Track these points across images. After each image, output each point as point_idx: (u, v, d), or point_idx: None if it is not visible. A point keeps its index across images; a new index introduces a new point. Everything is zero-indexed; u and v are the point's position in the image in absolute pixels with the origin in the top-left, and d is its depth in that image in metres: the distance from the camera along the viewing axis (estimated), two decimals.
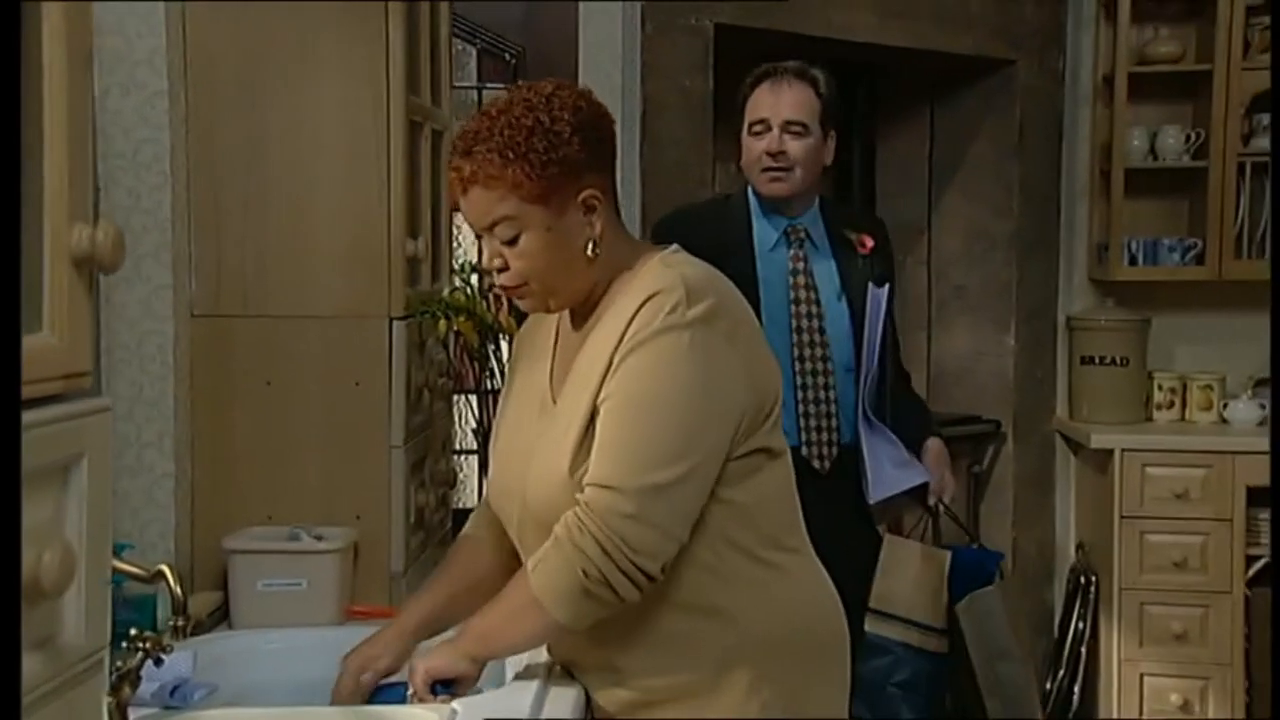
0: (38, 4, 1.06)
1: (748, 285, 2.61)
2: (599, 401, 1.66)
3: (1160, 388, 4.39)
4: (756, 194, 2.73)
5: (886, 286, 2.72)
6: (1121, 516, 4.10)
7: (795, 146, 2.66)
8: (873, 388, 2.69)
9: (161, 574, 1.67)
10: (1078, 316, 4.47)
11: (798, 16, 3.83)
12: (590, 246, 1.72)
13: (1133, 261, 4.32)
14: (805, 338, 2.66)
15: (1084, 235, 4.53)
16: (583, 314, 1.79)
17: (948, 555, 2.71)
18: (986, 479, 4.47)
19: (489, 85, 3.30)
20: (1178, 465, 4.09)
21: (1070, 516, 4.56)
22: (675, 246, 1.79)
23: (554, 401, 1.78)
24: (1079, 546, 4.48)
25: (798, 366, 2.65)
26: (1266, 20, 4.21)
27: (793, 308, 2.66)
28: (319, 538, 2.25)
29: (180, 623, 1.70)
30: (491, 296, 2.49)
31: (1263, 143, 4.25)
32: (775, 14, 3.78)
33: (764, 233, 2.72)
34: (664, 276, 1.68)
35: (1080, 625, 4.29)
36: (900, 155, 4.69)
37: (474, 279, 2.50)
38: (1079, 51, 4.48)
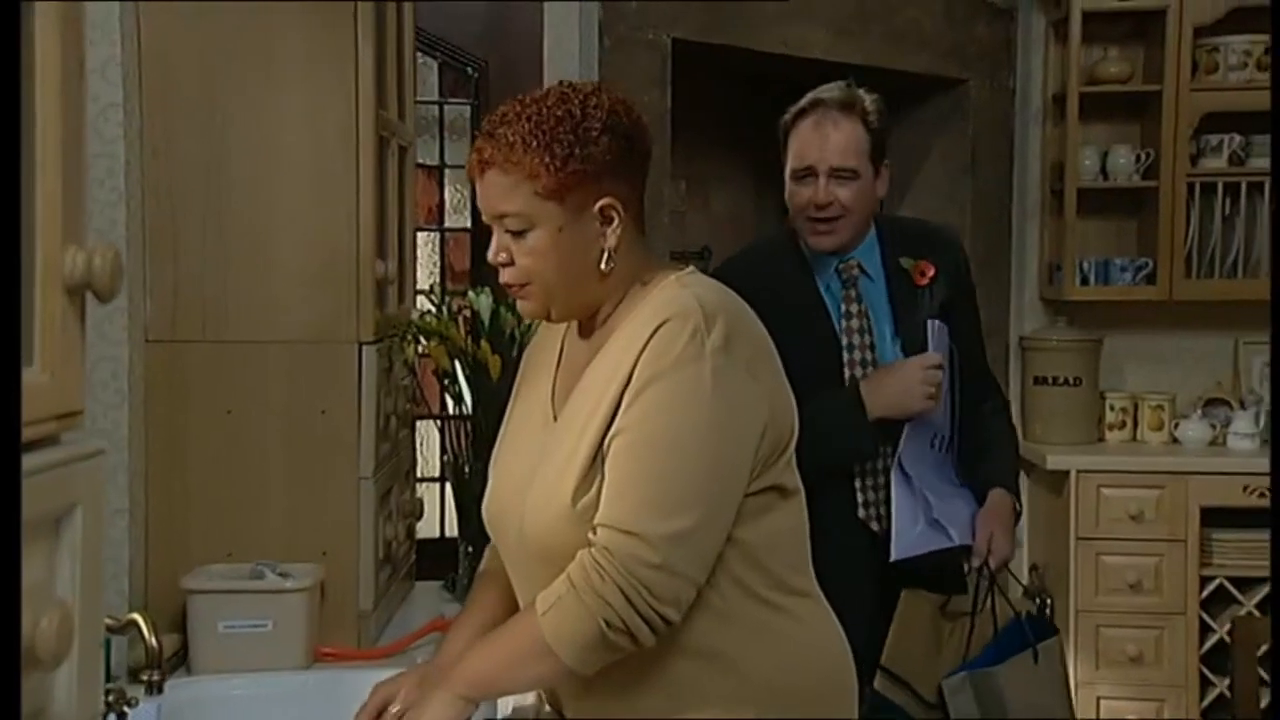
0: (31, 4, 0.95)
1: (820, 323, 2.45)
2: (611, 435, 1.57)
3: (1112, 408, 4.39)
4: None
5: (944, 318, 2.47)
6: (1078, 538, 4.08)
7: (845, 194, 2.41)
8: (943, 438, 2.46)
9: (134, 623, 1.54)
10: (1030, 337, 4.46)
11: (753, 33, 3.77)
12: (604, 259, 1.63)
13: (1084, 281, 4.31)
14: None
15: (1035, 255, 4.53)
16: (590, 328, 1.70)
17: (949, 624, 2.42)
18: None
19: (451, 100, 3.19)
20: (1132, 486, 4.09)
21: (1024, 538, 4.53)
22: (692, 268, 1.71)
23: (555, 418, 1.69)
24: (1033, 569, 4.45)
25: None
26: (1214, 42, 4.25)
27: (846, 355, 2.44)
28: (284, 575, 2.12)
29: (155, 677, 1.57)
30: (460, 319, 2.39)
31: (1211, 163, 4.28)
32: (732, 30, 3.72)
33: (820, 269, 2.50)
34: (679, 299, 1.59)
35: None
36: None
37: (442, 301, 2.39)
38: (1029, 71, 4.49)
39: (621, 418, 1.56)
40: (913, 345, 2.44)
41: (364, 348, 2.19)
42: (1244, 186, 4.25)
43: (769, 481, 1.64)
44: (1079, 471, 4.09)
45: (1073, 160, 4.27)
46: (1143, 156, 4.32)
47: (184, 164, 2.16)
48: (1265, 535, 3.84)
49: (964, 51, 4.31)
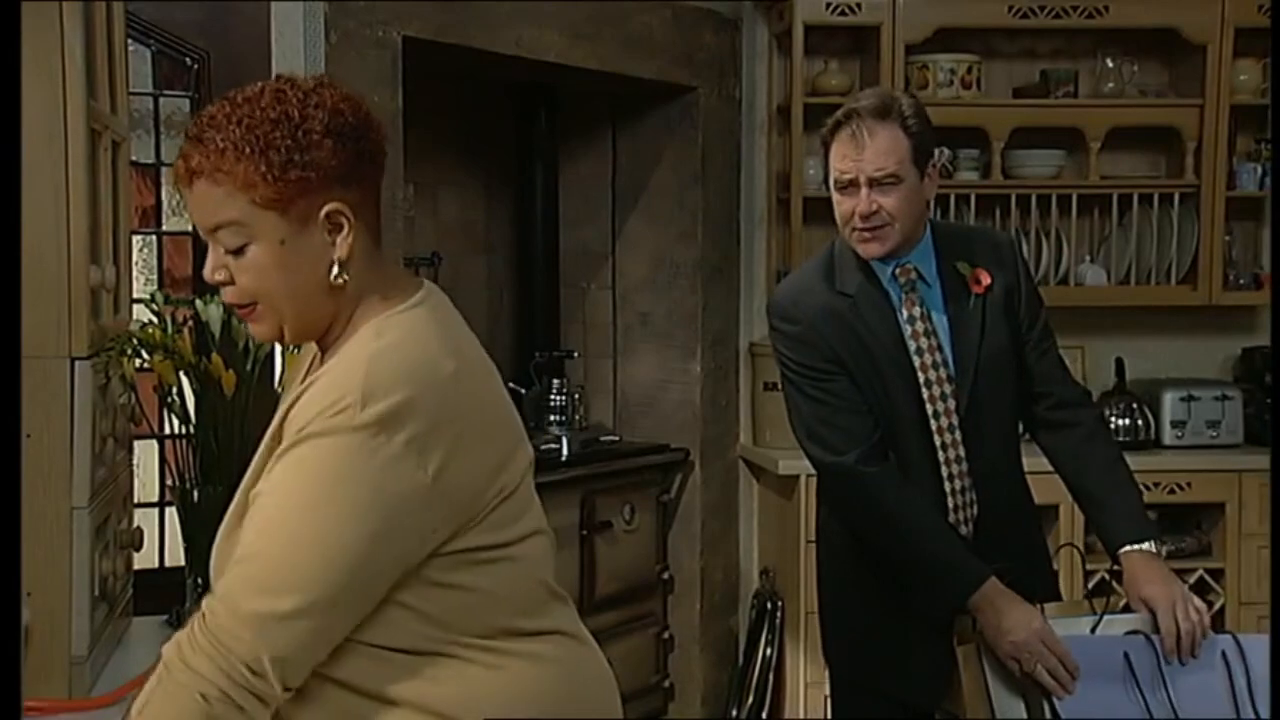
0: None
1: (895, 336, 2.44)
2: (252, 493, 1.45)
3: None
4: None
5: (1008, 326, 2.49)
6: (807, 541, 4.15)
7: (889, 201, 2.37)
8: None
9: None
10: (759, 343, 4.52)
11: (488, 33, 3.67)
12: (334, 272, 1.48)
13: None
14: (935, 390, 2.43)
15: (763, 262, 4.60)
16: (322, 349, 1.56)
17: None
18: (675, 508, 4.44)
19: (167, 93, 2.95)
20: None
21: (754, 542, 4.60)
22: (418, 298, 1.54)
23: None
24: (764, 572, 4.52)
25: (934, 424, 2.44)
26: (924, 59, 4.42)
27: (916, 359, 2.43)
28: None
29: None
30: (187, 330, 2.19)
31: None
32: (465, 30, 3.61)
33: (880, 275, 2.47)
34: (358, 358, 1.45)
35: (768, 651, 4.32)
36: (584, 179, 4.61)
37: (167, 311, 2.19)
38: (754, 81, 4.55)
39: (264, 478, 1.45)
40: (966, 360, 2.45)
41: (76, 363, 1.97)
42: (953, 199, 4.44)
43: (475, 543, 1.50)
44: (808, 476, 4.16)
45: (798, 170, 4.36)
46: None
47: None
48: None
49: (693, 60, 4.33)
